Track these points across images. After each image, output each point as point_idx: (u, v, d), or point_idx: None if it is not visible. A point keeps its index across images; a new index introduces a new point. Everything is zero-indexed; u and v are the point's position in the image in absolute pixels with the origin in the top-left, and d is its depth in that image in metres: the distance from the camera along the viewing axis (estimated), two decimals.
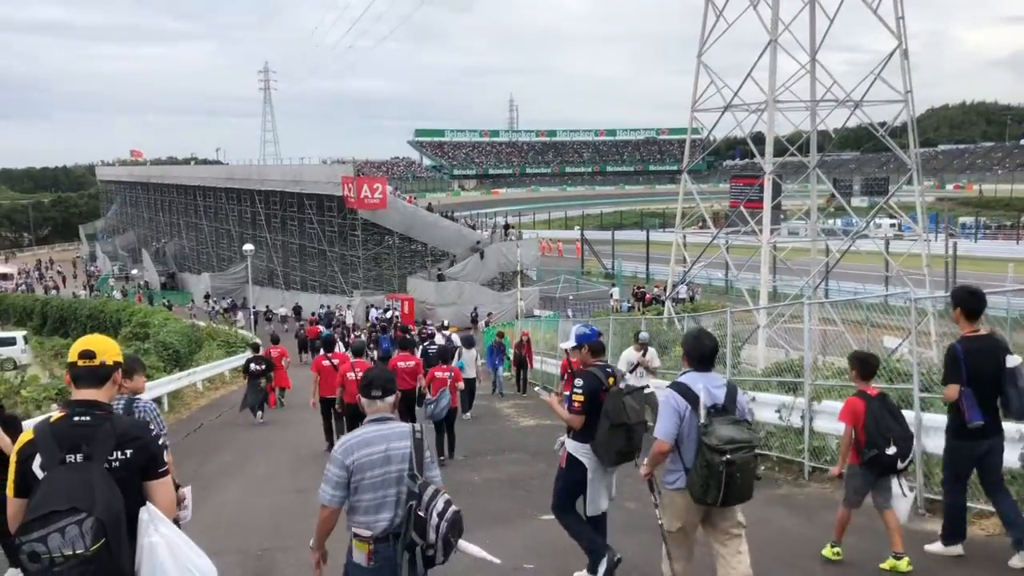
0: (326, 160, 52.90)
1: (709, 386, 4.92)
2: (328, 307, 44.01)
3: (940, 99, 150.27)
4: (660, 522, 5.21)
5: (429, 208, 49.08)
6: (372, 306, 43.19)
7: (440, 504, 3.87)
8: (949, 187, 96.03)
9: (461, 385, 13.62)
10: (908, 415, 7.65)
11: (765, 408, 10.16)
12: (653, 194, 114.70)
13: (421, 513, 3.85)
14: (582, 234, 62.68)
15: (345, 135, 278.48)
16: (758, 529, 7.51)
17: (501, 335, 23.21)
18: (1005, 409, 6.02)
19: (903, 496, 6.10)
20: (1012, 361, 5.91)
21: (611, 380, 5.89)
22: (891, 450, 5.97)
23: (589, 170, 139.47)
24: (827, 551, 6.48)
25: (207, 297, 52.97)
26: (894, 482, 6.12)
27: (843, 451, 6.30)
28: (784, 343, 17.94)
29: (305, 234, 50.53)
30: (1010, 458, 6.56)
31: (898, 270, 22.44)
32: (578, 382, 5.88)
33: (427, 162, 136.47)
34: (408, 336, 17.10)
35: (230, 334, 31.66)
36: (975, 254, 45.59)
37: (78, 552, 2.90)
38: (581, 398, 5.79)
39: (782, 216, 29.95)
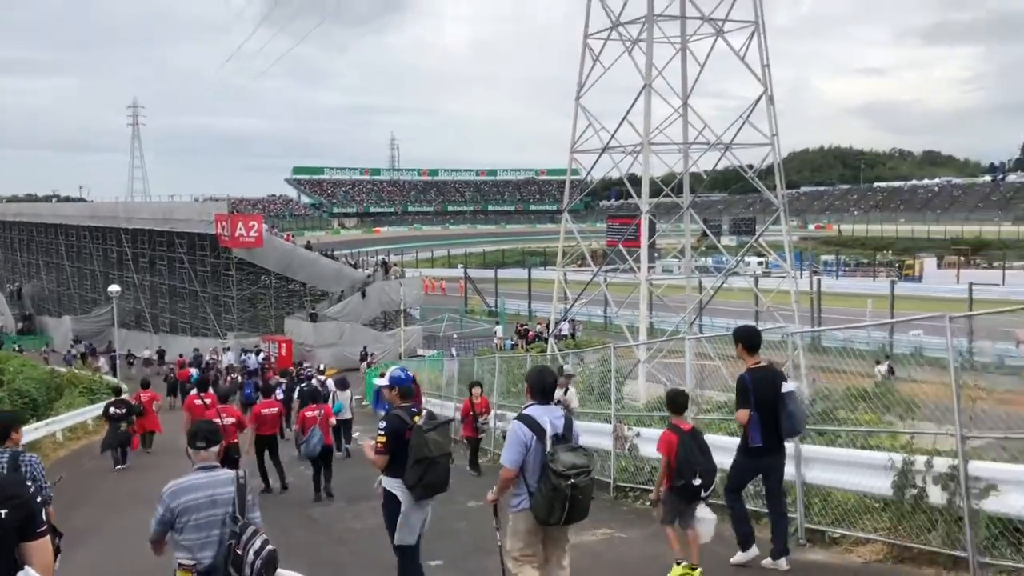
0: (198, 198, 51.30)
1: (551, 418, 5.42)
2: (198, 350, 42.23)
3: (801, 144, 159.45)
4: (500, 544, 5.71)
5: (308, 246, 48.06)
6: (244, 350, 41.67)
7: (257, 543, 4.39)
8: (811, 227, 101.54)
9: (333, 421, 14.09)
10: (788, 446, 7.92)
11: (648, 443, 10.27)
12: (534, 233, 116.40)
13: (239, 551, 4.37)
14: (465, 272, 62.81)
15: (219, 173, 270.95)
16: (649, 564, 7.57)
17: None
18: (779, 428, 6.90)
19: (706, 519, 6.86)
20: (787, 387, 6.89)
21: (415, 418, 6.31)
22: (696, 481, 6.72)
23: (471, 209, 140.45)
24: (675, 571, 6.84)
25: (77, 341, 50.14)
26: (699, 507, 6.87)
27: (660, 478, 7.04)
28: (664, 378, 18.33)
29: (175, 274, 48.54)
30: (883, 485, 6.93)
31: (768, 306, 23.39)
32: (381, 424, 6.39)
33: (306, 200, 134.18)
34: (270, 383, 17.41)
35: (93, 380, 29.91)
36: (836, 290, 48.10)
37: None
38: (383, 439, 6.26)
39: (656, 254, 30.87)
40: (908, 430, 7.45)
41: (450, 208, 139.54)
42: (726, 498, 7.25)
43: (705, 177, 25.21)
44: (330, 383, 20.27)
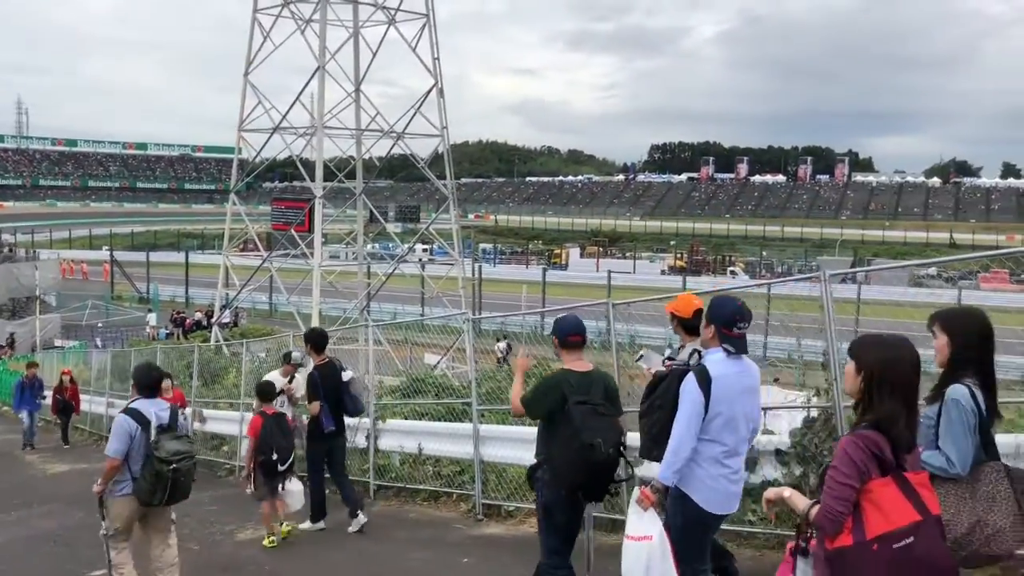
0: None
1: (156, 410, 5.90)
2: None
3: (462, 136, 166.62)
4: (103, 532, 6.01)
5: None
6: None
7: None
8: (470, 216, 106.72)
9: None
10: (467, 427, 8.29)
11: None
12: (189, 213, 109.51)
13: None
14: (111, 255, 57.37)
15: None
16: (333, 552, 7.52)
17: (34, 366, 18.75)
18: (345, 411, 8.13)
19: (294, 492, 7.91)
20: (346, 376, 8.07)
21: None
22: (274, 456, 7.78)
23: (117, 185, 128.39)
24: (266, 541, 7.87)
25: None
26: (289, 481, 7.90)
27: (248, 457, 8.04)
28: (343, 364, 18.20)
29: None
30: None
31: (438, 292, 24.21)
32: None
33: None
34: None
35: None
36: (495, 277, 51.12)
37: None
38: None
39: (323, 240, 30.53)
40: None
41: (91, 183, 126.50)
42: (310, 479, 8.25)
43: (378, 164, 25.44)
44: None
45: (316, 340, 8.26)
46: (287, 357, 9.75)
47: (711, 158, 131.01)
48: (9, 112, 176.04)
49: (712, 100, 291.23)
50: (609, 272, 42.54)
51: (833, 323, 5.55)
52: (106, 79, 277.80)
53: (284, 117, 21.71)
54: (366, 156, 25.39)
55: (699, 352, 4.42)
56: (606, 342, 7.31)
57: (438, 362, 16.61)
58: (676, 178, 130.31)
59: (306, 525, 8.20)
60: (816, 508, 2.92)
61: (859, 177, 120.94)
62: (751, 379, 4.37)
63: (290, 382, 9.28)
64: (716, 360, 4.24)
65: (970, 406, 3.44)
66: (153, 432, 5.78)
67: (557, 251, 71.98)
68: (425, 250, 47.66)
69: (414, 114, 22.39)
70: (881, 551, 2.75)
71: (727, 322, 4.25)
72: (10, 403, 23.76)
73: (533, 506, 7.74)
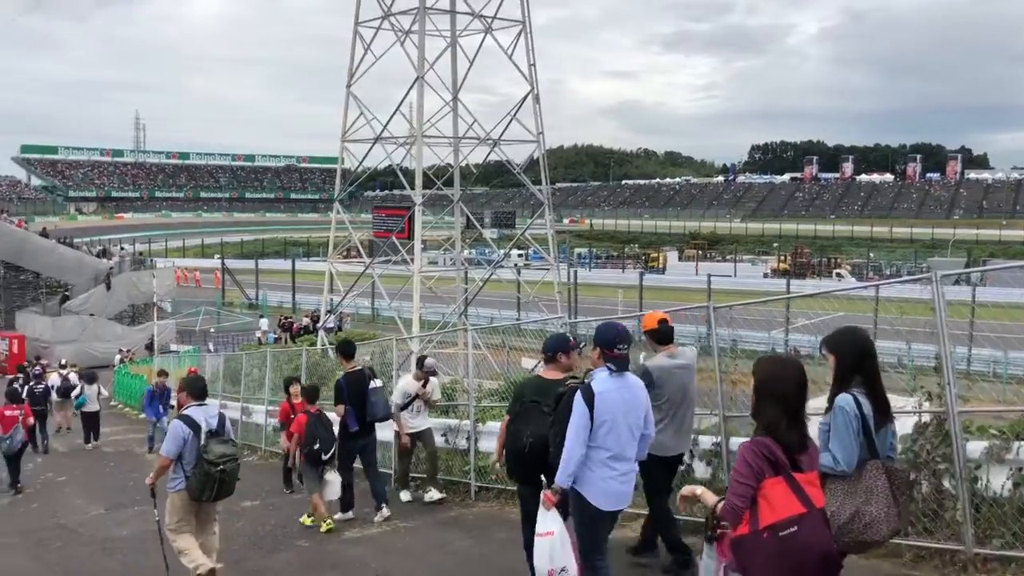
0: None
1: (206, 416, 6.73)
2: None
3: (557, 141, 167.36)
4: (157, 520, 7.09)
5: (43, 233, 43.58)
6: None
7: None
8: (565, 221, 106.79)
9: (31, 420, 14.66)
10: None
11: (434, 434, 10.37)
12: (295, 222, 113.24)
13: None
14: (222, 263, 59.79)
15: None
16: (435, 552, 7.68)
17: (164, 375, 18.45)
18: (369, 415, 8.96)
19: (329, 481, 8.83)
20: (374, 384, 9.00)
21: None
22: (317, 445, 8.75)
23: (227, 196, 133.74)
24: (323, 527, 8.73)
25: None
26: (327, 473, 8.83)
27: (293, 451, 9.18)
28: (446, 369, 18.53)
29: None
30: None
31: (533, 296, 24.34)
32: None
33: (37, 182, 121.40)
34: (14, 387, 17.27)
35: None
36: (590, 281, 50.93)
37: None
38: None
39: (422, 246, 31.09)
40: None
41: (203, 194, 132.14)
42: (342, 472, 9.04)
43: (475, 171, 25.76)
44: (72, 376, 20.32)
45: (345, 350, 9.36)
46: (420, 363, 9.79)
47: (815, 157, 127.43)
48: (128, 128, 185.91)
49: (815, 98, 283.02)
50: (709, 275, 41.87)
51: (946, 326, 5.36)
52: (216, 95, 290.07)
53: (385, 127, 22.27)
54: (463, 163, 25.77)
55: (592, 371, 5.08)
56: (707, 347, 7.23)
57: (535, 366, 16.71)
58: (778, 178, 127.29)
59: (338, 515, 9.04)
60: (722, 503, 3.48)
61: (972, 175, 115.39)
62: (631, 392, 4.98)
63: (424, 386, 9.49)
64: (601, 378, 4.90)
65: (854, 412, 3.98)
66: (203, 436, 6.58)
67: (654, 254, 71.24)
68: (520, 255, 47.89)
69: (510, 121, 22.61)
70: (770, 539, 3.28)
71: (609, 344, 4.93)
72: (132, 404, 25.16)
73: (636, 510, 7.75)
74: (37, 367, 27.61)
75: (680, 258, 70.60)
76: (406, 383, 9.22)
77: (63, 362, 24.79)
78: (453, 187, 25.40)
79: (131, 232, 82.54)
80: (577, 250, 76.31)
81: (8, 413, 13.47)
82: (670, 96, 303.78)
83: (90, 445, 18.14)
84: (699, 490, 3.75)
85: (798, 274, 57.66)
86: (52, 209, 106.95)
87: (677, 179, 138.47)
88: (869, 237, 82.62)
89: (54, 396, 19.64)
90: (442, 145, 24.07)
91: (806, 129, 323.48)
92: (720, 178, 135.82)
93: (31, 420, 14.66)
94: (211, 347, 35.07)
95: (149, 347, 35.96)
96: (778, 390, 3.45)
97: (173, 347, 37.88)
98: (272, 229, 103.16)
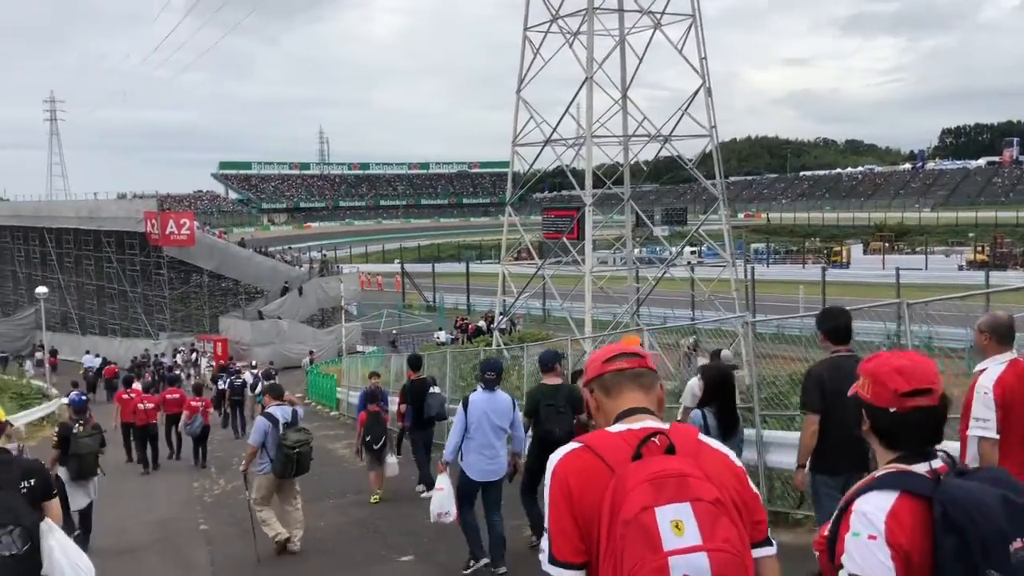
0: (125, 194, 49.66)
1: (283, 412, 8.57)
2: (138, 355, 40.85)
3: (729, 133, 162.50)
4: (251, 497, 8.67)
5: (241, 243, 47.06)
6: (178, 350, 40.75)
7: None
8: (740, 215, 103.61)
9: (210, 411, 17.90)
10: (749, 432, 8.09)
11: None
12: (468, 226, 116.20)
13: None
14: (402, 267, 62.32)
15: (142, 168, 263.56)
16: None
17: (376, 376, 19.15)
18: (428, 414, 11.16)
19: (391, 463, 11.13)
20: (433, 390, 11.26)
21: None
22: (368, 438, 10.89)
23: (404, 203, 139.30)
24: (372, 499, 11.12)
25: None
26: (386, 456, 11.08)
27: (357, 440, 11.31)
28: None
29: (103, 274, 47.01)
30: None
31: (709, 294, 23.81)
32: None
33: (234, 196, 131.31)
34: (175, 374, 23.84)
35: (22, 385, 28.88)
36: (768, 277, 49.24)
37: (13, 553, 4.00)
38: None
39: (592, 246, 31.06)
40: None
41: (382, 202, 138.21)
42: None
43: (645, 168, 25.51)
44: (258, 374, 23.26)
45: (414, 363, 12.08)
46: (715, 355, 8.94)
47: (1015, 139, 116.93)
48: (313, 142, 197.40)
49: (1016, 76, 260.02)
50: (897, 269, 39.40)
51: None
52: (393, 106, 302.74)
53: (554, 130, 22.45)
54: (632, 161, 25.58)
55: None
56: (896, 345, 6.82)
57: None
58: (973, 163, 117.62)
59: (420, 487, 11.04)
60: None
61: None
62: (495, 402, 7.24)
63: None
64: (477, 393, 7.31)
65: (699, 423, 6.08)
66: (281, 428, 8.32)
67: (837, 248, 67.67)
68: (693, 252, 46.93)
69: (681, 116, 22.24)
70: None
71: (482, 373, 7.48)
72: (324, 403, 26.65)
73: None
74: (234, 366, 30.54)
75: (865, 251, 66.82)
76: (695, 384, 8.03)
77: (253, 363, 27.33)
78: (623, 185, 25.28)
79: (318, 240, 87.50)
80: (754, 245, 73.85)
81: (194, 403, 16.54)
82: (848, 81, 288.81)
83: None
84: None
85: (998, 265, 53.16)
86: (247, 220, 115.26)
87: (859, 168, 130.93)
88: None
89: (248, 391, 22.03)
90: (611, 144, 24.01)
91: (1004, 109, 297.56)
92: (907, 165, 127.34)
93: (210, 410, 17.81)
94: (395, 347, 36.63)
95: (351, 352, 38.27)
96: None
97: (359, 348, 39.89)
98: (446, 234, 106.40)
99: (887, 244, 68.91)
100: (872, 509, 2.01)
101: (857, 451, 5.09)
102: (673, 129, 22.45)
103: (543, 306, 43.98)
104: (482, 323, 40.56)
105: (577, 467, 2.08)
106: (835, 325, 5.61)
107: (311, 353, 38.07)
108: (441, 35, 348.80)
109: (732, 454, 2.19)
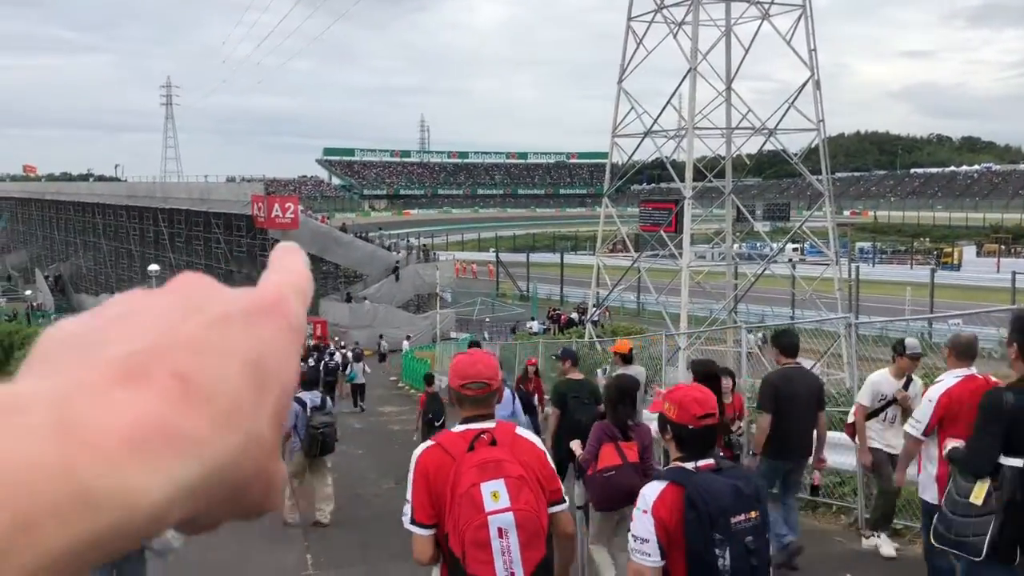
0: (233, 178, 51.55)
1: (311, 397, 9.38)
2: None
3: (836, 128, 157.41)
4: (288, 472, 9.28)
5: (343, 228, 48.24)
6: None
7: None
8: (846, 213, 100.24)
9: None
10: (844, 436, 7.84)
11: None
12: (564, 217, 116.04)
13: None
14: (497, 256, 62.73)
15: (250, 153, 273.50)
16: None
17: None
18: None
19: None
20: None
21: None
22: (430, 415, 11.63)
23: (501, 192, 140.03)
24: None
25: None
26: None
27: (418, 418, 12.66)
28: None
29: (212, 254, 49.01)
30: None
31: (811, 293, 23.17)
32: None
33: (336, 181, 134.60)
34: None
35: None
36: (873, 278, 47.57)
37: None
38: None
39: (691, 240, 30.54)
40: None
41: (480, 191, 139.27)
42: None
43: (748, 162, 24.95)
44: (348, 354, 25.43)
45: (426, 379, 13.81)
46: (899, 346, 7.00)
47: None
48: (414, 130, 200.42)
49: None
50: (1014, 273, 37.52)
51: None
52: (492, 95, 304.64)
53: (655, 121, 22.18)
54: (735, 154, 25.05)
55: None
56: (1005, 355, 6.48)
57: (812, 367, 15.89)
58: None
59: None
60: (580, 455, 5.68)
61: None
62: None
63: (906, 387, 6.84)
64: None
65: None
66: (309, 411, 9.18)
67: (948, 249, 64.78)
68: (795, 249, 45.64)
69: (787, 109, 21.64)
70: (597, 477, 5.28)
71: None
72: (417, 387, 27.16)
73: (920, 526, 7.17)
74: (329, 346, 31.54)
75: (978, 253, 63.75)
76: (880, 378, 6.87)
77: (343, 344, 28.58)
78: (724, 179, 24.79)
79: (416, 227, 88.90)
80: (859, 244, 71.41)
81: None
82: (973, 75, 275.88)
83: (358, 407, 22.27)
84: (574, 444, 5.89)
85: None
86: (349, 206, 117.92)
87: (976, 166, 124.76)
88: None
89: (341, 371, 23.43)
90: (714, 136, 23.56)
91: None
92: None
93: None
94: (486, 335, 36.96)
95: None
96: (611, 398, 5.61)
97: (452, 334, 40.44)
98: (542, 224, 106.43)
99: (1003, 246, 65.58)
100: (649, 493, 2.99)
101: (803, 442, 6.70)
102: (779, 122, 21.88)
103: (638, 299, 43.60)
104: (575, 314, 40.51)
105: (431, 457, 2.97)
106: (788, 342, 6.98)
107: (408, 338, 38.80)
108: (542, 25, 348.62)
109: (539, 441, 3.11)
